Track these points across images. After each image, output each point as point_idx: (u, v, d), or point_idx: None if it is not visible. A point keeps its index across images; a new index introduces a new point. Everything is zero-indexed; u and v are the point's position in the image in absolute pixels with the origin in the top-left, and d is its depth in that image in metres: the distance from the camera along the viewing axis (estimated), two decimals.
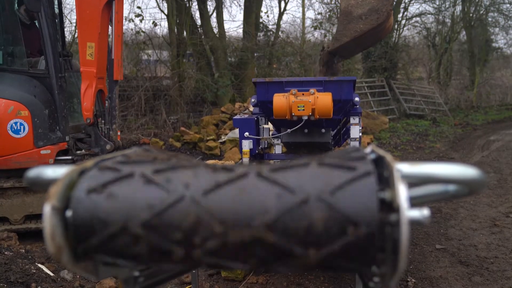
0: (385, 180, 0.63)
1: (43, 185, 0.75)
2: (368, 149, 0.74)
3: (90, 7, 4.94)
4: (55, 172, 0.75)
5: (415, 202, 0.68)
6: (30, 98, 5.00)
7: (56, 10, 5.81)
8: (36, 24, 5.60)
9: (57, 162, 5.12)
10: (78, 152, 5.39)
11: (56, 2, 5.72)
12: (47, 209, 0.63)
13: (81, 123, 5.59)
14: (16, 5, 5.36)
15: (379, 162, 0.68)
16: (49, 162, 5.02)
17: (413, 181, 0.66)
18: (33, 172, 0.76)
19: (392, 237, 0.60)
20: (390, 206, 0.60)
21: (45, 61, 5.16)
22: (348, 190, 0.60)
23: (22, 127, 4.90)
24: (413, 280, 4.02)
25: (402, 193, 0.58)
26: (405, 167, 0.66)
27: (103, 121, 5.37)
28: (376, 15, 3.78)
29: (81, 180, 0.67)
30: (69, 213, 0.65)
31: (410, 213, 0.59)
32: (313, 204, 0.59)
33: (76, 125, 5.66)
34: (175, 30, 13.33)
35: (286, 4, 15.96)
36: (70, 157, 5.30)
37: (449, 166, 0.65)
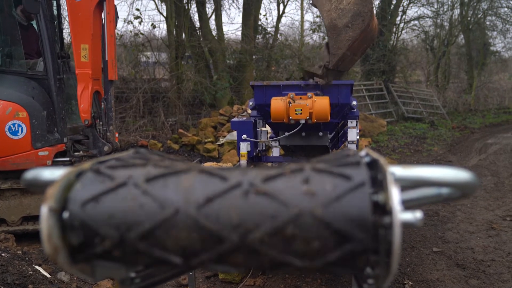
0: (379, 183, 0.64)
1: (40, 187, 0.75)
2: (362, 152, 0.75)
3: (81, 9, 4.95)
4: (53, 173, 0.75)
5: (409, 205, 0.69)
6: (28, 100, 5.00)
7: (55, 12, 5.82)
8: (33, 25, 5.60)
9: (55, 163, 5.12)
10: (76, 153, 5.38)
11: (54, 4, 5.73)
12: (44, 211, 0.63)
13: (79, 125, 5.58)
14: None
15: (373, 165, 0.68)
16: (47, 163, 5.01)
17: (407, 184, 0.67)
18: (30, 174, 0.77)
19: (385, 239, 0.60)
20: (383, 209, 0.61)
21: (43, 62, 5.16)
22: (342, 203, 0.61)
23: (20, 128, 4.90)
24: (410, 283, 4.03)
25: (395, 196, 0.59)
26: (398, 170, 0.66)
27: (101, 123, 5.37)
28: (360, 18, 3.82)
29: (76, 187, 0.67)
30: (66, 214, 0.65)
31: (402, 216, 0.60)
32: (305, 219, 0.60)
33: (74, 127, 5.66)
34: (174, 32, 13.34)
35: (284, 7, 16.00)
36: (68, 159, 5.29)
37: (442, 169, 0.66)
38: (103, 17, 5.17)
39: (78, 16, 4.97)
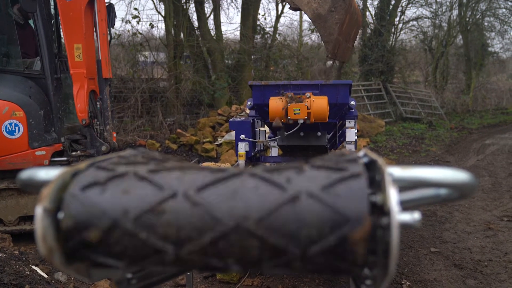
0: (377, 183, 0.64)
1: (35, 187, 0.74)
2: (360, 153, 0.74)
3: (72, 9, 4.94)
4: (48, 173, 0.74)
5: (407, 206, 0.68)
6: (25, 99, 4.99)
7: (52, 11, 5.80)
8: (31, 24, 5.58)
9: (52, 163, 5.11)
10: (73, 153, 5.37)
11: (52, 3, 5.71)
12: (38, 211, 0.63)
13: (76, 124, 5.57)
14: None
15: (371, 166, 0.68)
16: (44, 163, 5.00)
17: (405, 185, 0.67)
18: (25, 174, 0.76)
19: (383, 240, 0.60)
20: (381, 210, 0.61)
21: (40, 62, 5.15)
22: (339, 187, 0.61)
23: (17, 128, 4.89)
24: (407, 283, 4.03)
25: (393, 196, 0.59)
26: (396, 171, 0.66)
27: (98, 122, 5.36)
28: (341, 0, 3.88)
29: (74, 181, 0.67)
30: (61, 215, 0.65)
31: (401, 217, 0.60)
32: (304, 201, 0.60)
33: (72, 126, 5.65)
34: (172, 32, 13.33)
35: (283, 7, 15.99)
36: (65, 158, 5.28)
37: (440, 170, 0.65)
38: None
39: (70, 16, 4.97)
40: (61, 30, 6.50)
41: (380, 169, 0.64)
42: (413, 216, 0.62)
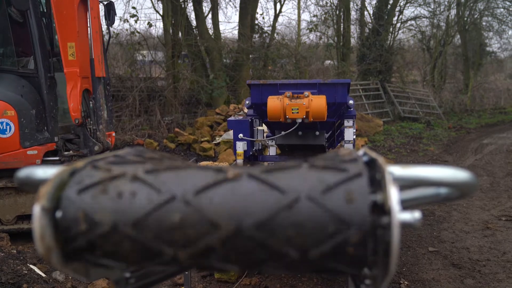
0: (377, 182, 0.63)
1: (33, 186, 0.74)
2: (360, 152, 0.74)
3: (66, 7, 4.89)
4: (46, 172, 0.74)
5: (407, 205, 0.68)
6: (17, 98, 4.94)
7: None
8: None
9: (44, 163, 5.06)
10: (66, 153, 5.32)
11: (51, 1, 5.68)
12: (36, 210, 0.62)
13: (70, 124, 5.52)
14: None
15: (371, 165, 0.68)
16: (36, 162, 4.96)
17: (405, 184, 0.66)
18: (23, 173, 0.76)
19: (383, 239, 0.60)
20: (382, 209, 0.60)
21: (33, 60, 5.10)
22: (339, 190, 0.60)
23: (8, 127, 4.85)
24: (405, 282, 4.04)
25: (394, 195, 0.58)
26: (397, 170, 0.66)
27: (91, 122, 5.30)
28: None
29: (72, 180, 0.66)
30: (59, 213, 0.64)
31: (401, 216, 0.59)
32: (303, 204, 0.59)
33: (66, 126, 5.60)
34: (170, 31, 13.32)
35: (281, 6, 16.01)
36: (57, 158, 5.23)
37: (441, 169, 0.65)
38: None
39: (63, 14, 4.91)
40: None
41: (380, 168, 0.63)
42: (413, 215, 0.61)
